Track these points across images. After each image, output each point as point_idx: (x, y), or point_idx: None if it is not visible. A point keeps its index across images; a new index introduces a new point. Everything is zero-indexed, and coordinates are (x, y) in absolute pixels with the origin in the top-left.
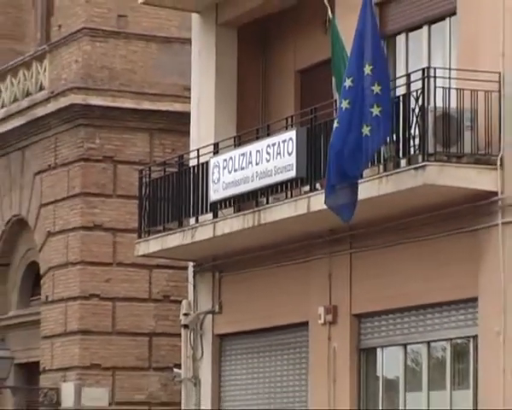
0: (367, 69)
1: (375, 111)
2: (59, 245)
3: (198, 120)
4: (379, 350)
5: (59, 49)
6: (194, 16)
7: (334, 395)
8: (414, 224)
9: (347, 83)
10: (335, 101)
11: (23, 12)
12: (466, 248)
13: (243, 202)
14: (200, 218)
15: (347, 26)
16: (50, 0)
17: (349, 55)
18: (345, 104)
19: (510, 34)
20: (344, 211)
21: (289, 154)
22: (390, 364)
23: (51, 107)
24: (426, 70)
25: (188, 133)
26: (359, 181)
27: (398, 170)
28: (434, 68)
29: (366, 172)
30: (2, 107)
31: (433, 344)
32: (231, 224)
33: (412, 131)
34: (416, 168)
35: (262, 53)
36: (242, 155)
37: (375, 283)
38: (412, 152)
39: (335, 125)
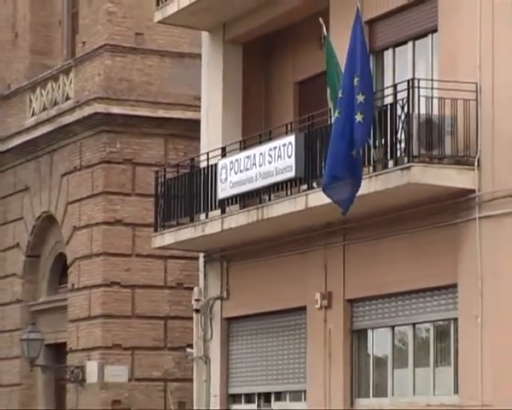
0: (355, 81)
1: (359, 118)
2: (84, 238)
3: (207, 126)
4: (369, 331)
5: (83, 64)
6: (204, 34)
7: (329, 371)
8: (400, 218)
9: (339, 94)
10: (330, 109)
11: (51, 30)
12: (447, 239)
13: (248, 199)
14: (210, 214)
15: (341, 42)
16: (75, 19)
17: (343, 69)
18: (336, 114)
19: (486, 48)
20: (343, 203)
21: (289, 156)
22: (379, 344)
23: (76, 115)
24: (411, 81)
25: (198, 138)
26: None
27: (386, 170)
28: (418, 80)
29: None
30: (33, 115)
31: (417, 326)
32: (237, 219)
33: (398, 136)
34: (402, 169)
35: (264, 66)
36: (247, 157)
37: (366, 271)
38: (398, 154)
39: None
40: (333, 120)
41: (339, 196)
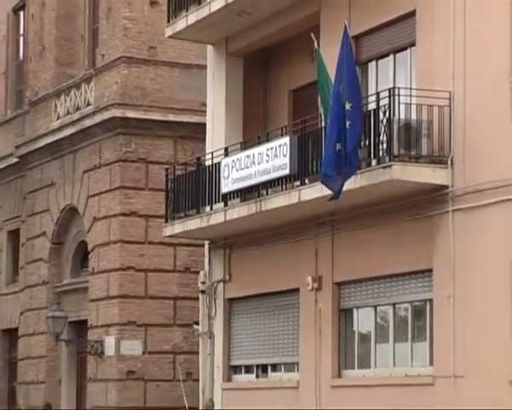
0: (342, 88)
1: (347, 124)
2: (102, 228)
3: (212, 129)
4: (355, 310)
5: (102, 74)
6: (209, 47)
7: (319, 345)
8: (382, 211)
9: (330, 102)
10: (320, 114)
11: (74, 44)
12: (423, 229)
13: (248, 193)
14: (214, 206)
15: (330, 55)
16: (95, 34)
17: (332, 79)
18: (328, 120)
19: (458, 61)
20: (335, 194)
21: (284, 156)
22: (363, 321)
23: (96, 119)
24: (392, 90)
25: (204, 140)
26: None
27: (369, 168)
28: (398, 88)
29: None
30: (58, 119)
31: (397, 306)
32: (238, 211)
33: (381, 138)
34: (383, 167)
35: (262, 76)
36: (247, 156)
37: (352, 257)
38: (381, 154)
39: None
40: (324, 125)
41: (332, 188)
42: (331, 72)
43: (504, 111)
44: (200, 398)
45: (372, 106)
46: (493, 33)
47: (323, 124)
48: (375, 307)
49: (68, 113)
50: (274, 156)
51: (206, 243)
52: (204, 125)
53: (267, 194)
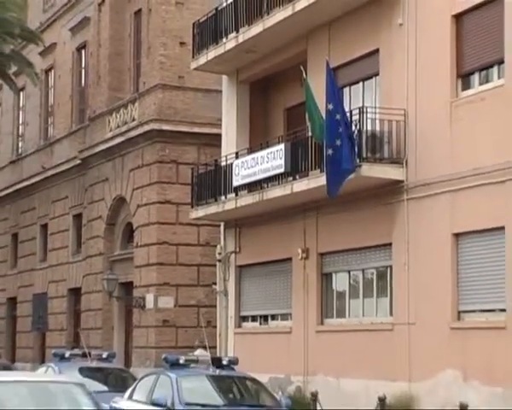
0: (329, 106)
1: (338, 142)
2: (144, 213)
3: (226, 138)
4: (334, 274)
5: (144, 96)
6: (224, 77)
7: (307, 301)
8: (355, 199)
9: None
10: (307, 127)
11: (122, 74)
12: (385, 213)
13: (253, 186)
14: (228, 196)
15: (315, 81)
16: (138, 67)
17: (317, 101)
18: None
19: (411, 87)
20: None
21: (280, 158)
22: (340, 282)
23: (139, 131)
24: (361, 108)
25: (220, 146)
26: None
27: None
28: (366, 107)
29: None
30: (110, 131)
31: (365, 270)
32: (245, 199)
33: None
34: (356, 166)
35: (263, 98)
36: (252, 159)
37: (332, 234)
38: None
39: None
40: (310, 134)
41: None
42: (316, 94)
43: (445, 125)
44: (217, 340)
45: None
46: (437, 67)
47: (310, 134)
48: (349, 271)
49: (118, 126)
50: (272, 158)
51: (222, 223)
52: (220, 135)
53: (267, 187)
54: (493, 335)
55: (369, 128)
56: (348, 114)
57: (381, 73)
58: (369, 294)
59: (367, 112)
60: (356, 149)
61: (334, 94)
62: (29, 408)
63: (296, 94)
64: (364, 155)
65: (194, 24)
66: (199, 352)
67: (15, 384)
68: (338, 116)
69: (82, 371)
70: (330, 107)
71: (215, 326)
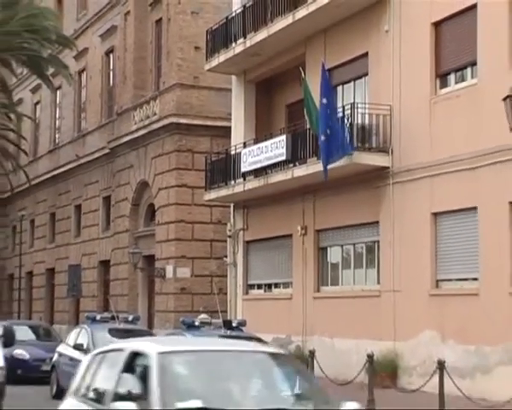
0: (323, 101)
1: (329, 131)
2: (164, 195)
3: (235, 130)
4: (329, 248)
5: (164, 94)
6: (233, 77)
7: (305, 271)
8: (347, 182)
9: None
10: (306, 121)
11: (145, 75)
12: (373, 195)
13: (258, 172)
14: (237, 180)
15: (313, 80)
16: (159, 69)
17: (313, 97)
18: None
19: (396, 85)
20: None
21: (282, 147)
22: (334, 255)
23: (160, 124)
24: (352, 104)
25: (230, 137)
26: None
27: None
28: (357, 103)
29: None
30: (135, 124)
31: (356, 245)
32: (252, 183)
33: (346, 135)
34: (348, 154)
35: (267, 95)
36: (258, 148)
37: (327, 213)
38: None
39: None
40: (308, 127)
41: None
42: (314, 92)
43: (425, 118)
44: (227, 305)
45: (340, 115)
46: (418, 68)
47: (308, 126)
48: (342, 245)
49: (141, 120)
50: (275, 148)
51: (231, 204)
52: (229, 127)
53: (271, 172)
54: (467, 300)
55: (360, 121)
56: (341, 109)
57: (369, 74)
58: (360, 265)
59: (358, 107)
60: (347, 138)
61: (328, 91)
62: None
63: (296, 92)
64: (355, 145)
65: (207, 31)
66: (202, 316)
67: (221, 354)
68: (329, 110)
69: (111, 331)
70: (324, 101)
71: (226, 293)
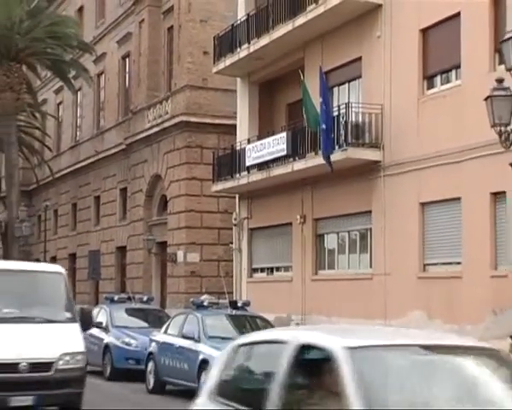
0: (320, 100)
1: (323, 126)
2: (175, 187)
3: (240, 127)
4: (325, 235)
5: (175, 95)
6: (238, 79)
7: (304, 256)
8: (342, 176)
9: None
10: (304, 119)
11: (158, 77)
12: (366, 187)
13: (261, 166)
14: (241, 174)
15: (311, 82)
16: (171, 72)
17: (312, 97)
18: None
19: (386, 87)
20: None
21: (283, 143)
22: (330, 241)
23: (171, 122)
24: (347, 104)
25: (235, 134)
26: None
27: (335, 151)
28: (351, 103)
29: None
30: (149, 122)
31: (350, 232)
32: (256, 176)
33: (341, 132)
34: (343, 150)
35: (269, 96)
36: (261, 144)
37: (324, 203)
38: (341, 142)
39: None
40: (306, 125)
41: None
42: (312, 92)
43: (414, 117)
44: (233, 287)
45: (335, 113)
46: (407, 70)
47: (306, 125)
48: (338, 232)
49: (155, 118)
50: (277, 144)
51: (237, 195)
52: (235, 125)
53: (273, 166)
54: (451, 283)
55: (354, 119)
56: (337, 108)
57: (363, 76)
58: (354, 250)
59: (352, 106)
60: (334, 136)
61: (324, 92)
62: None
63: (295, 92)
64: (350, 141)
65: (214, 37)
66: (204, 297)
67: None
68: (324, 108)
69: (127, 311)
70: (320, 100)
71: (232, 276)
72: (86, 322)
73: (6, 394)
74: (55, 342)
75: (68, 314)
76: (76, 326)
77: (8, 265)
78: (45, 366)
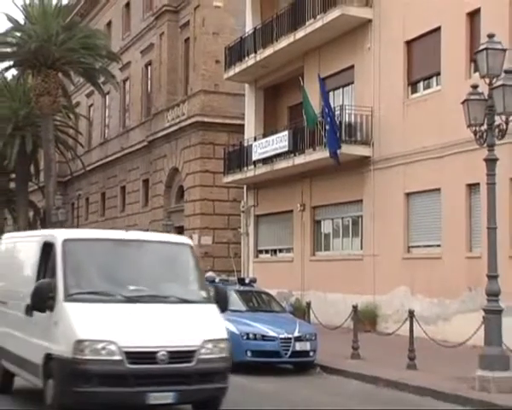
0: (322, 103)
1: (327, 126)
2: (191, 179)
3: (248, 127)
4: (322, 221)
5: (191, 98)
6: (246, 85)
7: (303, 239)
8: (337, 169)
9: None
10: (304, 119)
11: (176, 83)
12: (358, 179)
13: (266, 160)
14: (249, 167)
15: (310, 87)
16: (187, 78)
17: (311, 102)
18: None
19: (376, 91)
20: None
21: (285, 141)
22: (327, 226)
23: (188, 122)
24: (341, 106)
25: (243, 132)
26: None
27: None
28: (345, 105)
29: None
30: (168, 122)
31: (343, 219)
32: (261, 169)
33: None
34: (338, 145)
35: (273, 99)
36: (266, 141)
37: (321, 193)
38: None
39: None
40: (305, 125)
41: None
42: (310, 96)
43: (399, 118)
44: (241, 266)
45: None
46: (393, 77)
47: (305, 125)
48: (332, 219)
49: (173, 119)
50: (279, 141)
51: (245, 186)
52: (243, 125)
53: (276, 161)
54: (432, 263)
55: (347, 120)
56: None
57: (355, 82)
58: (347, 234)
59: (345, 109)
60: (337, 134)
61: (324, 96)
62: None
63: (296, 96)
64: (344, 139)
65: (225, 48)
66: (209, 274)
67: None
68: (326, 110)
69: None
70: (322, 104)
71: (240, 257)
72: (223, 303)
73: (144, 389)
74: (194, 326)
75: (204, 293)
76: (214, 308)
77: (130, 235)
78: (186, 355)
